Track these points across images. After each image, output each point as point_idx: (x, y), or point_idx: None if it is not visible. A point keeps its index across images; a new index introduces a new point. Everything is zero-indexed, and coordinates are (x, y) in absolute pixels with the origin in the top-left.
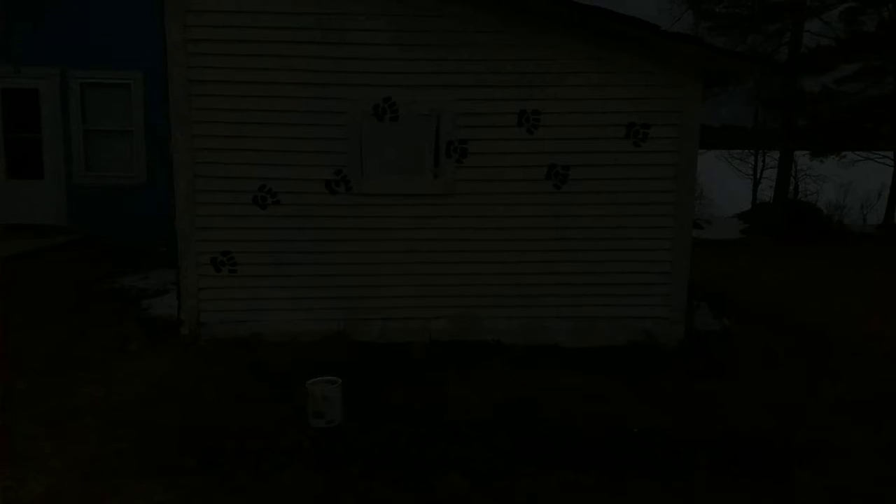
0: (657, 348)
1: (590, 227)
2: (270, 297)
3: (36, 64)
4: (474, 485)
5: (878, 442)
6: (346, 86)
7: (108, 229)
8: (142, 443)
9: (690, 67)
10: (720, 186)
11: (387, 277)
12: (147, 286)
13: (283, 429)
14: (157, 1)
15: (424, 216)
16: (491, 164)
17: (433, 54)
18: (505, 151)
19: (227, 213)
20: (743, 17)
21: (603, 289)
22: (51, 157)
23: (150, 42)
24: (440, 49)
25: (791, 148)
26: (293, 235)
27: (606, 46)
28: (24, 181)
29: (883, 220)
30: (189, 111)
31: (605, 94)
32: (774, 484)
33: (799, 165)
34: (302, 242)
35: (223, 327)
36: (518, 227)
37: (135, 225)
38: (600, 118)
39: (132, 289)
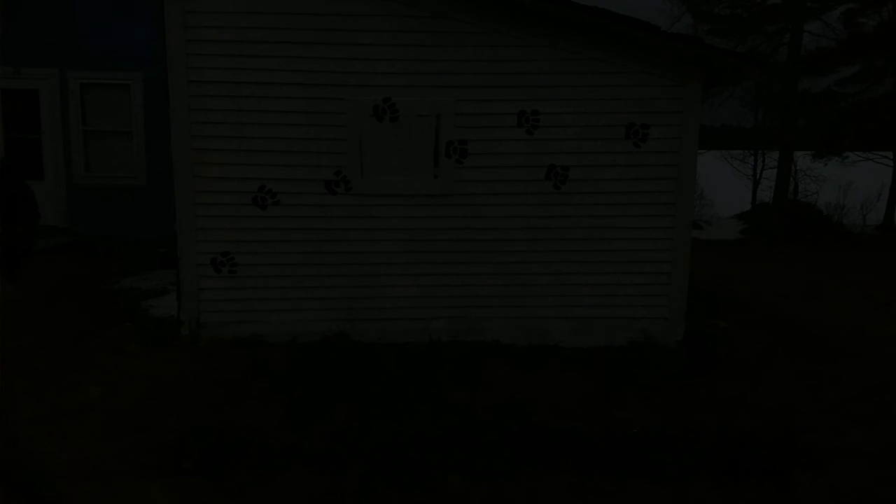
0: (657, 348)
1: (589, 227)
2: (270, 298)
3: (35, 65)
4: (475, 486)
5: (878, 443)
6: (345, 86)
7: (108, 230)
8: (141, 444)
9: (690, 68)
10: (720, 187)
11: (386, 278)
12: (147, 287)
13: (283, 430)
14: (157, 1)
15: (424, 216)
16: (490, 165)
17: (433, 55)
18: (504, 152)
19: (226, 214)
20: (742, 18)
21: (602, 289)
22: (51, 158)
23: (150, 43)
24: (440, 49)
25: (791, 148)
26: (293, 236)
27: (606, 47)
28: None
29: (883, 220)
30: (189, 112)
31: (605, 94)
32: (775, 486)
33: (798, 166)
34: (302, 243)
35: (223, 328)
36: (518, 228)
37: (135, 225)
38: (600, 118)
39: (132, 289)
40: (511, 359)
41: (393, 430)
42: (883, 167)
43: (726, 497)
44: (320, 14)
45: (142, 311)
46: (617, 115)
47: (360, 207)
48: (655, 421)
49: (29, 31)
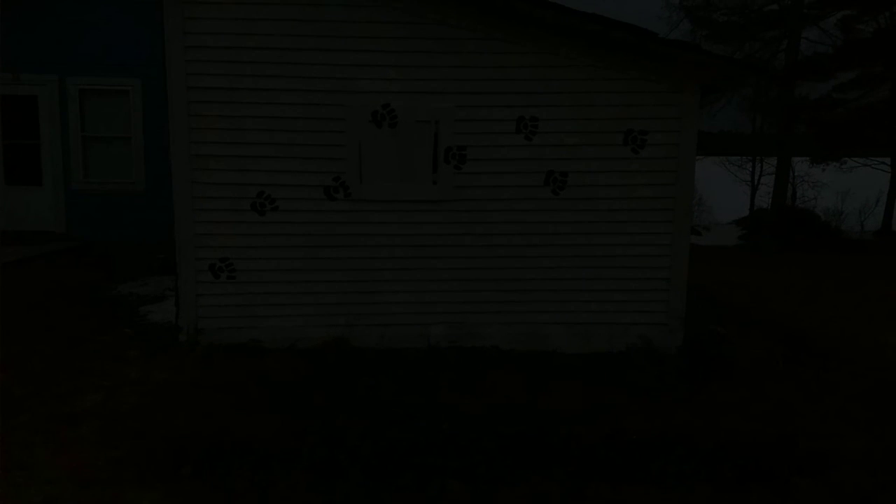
0: (656, 354)
1: (588, 233)
2: (269, 304)
3: (35, 71)
4: (475, 492)
5: (877, 449)
6: (344, 92)
7: (107, 236)
8: (139, 450)
9: (688, 74)
10: (718, 193)
11: (385, 283)
12: (146, 293)
13: (281, 436)
14: (156, 7)
15: (423, 222)
16: (489, 171)
17: (432, 61)
18: (503, 158)
19: (225, 220)
20: (740, 25)
21: (602, 295)
22: (49, 164)
23: (149, 49)
24: (439, 56)
25: (789, 154)
26: (292, 241)
27: (605, 53)
28: (23, 188)
29: (880, 226)
30: (188, 118)
31: (604, 100)
32: (775, 492)
33: (796, 171)
34: (300, 248)
35: (222, 333)
36: (516, 234)
37: (133, 231)
38: (598, 125)
39: (131, 295)
40: (510, 365)
41: (392, 436)
42: (881, 173)
43: (726, 503)
44: (319, 21)
45: (140, 317)
46: (615, 122)
47: (359, 213)
48: (655, 427)
49: (29, 38)
